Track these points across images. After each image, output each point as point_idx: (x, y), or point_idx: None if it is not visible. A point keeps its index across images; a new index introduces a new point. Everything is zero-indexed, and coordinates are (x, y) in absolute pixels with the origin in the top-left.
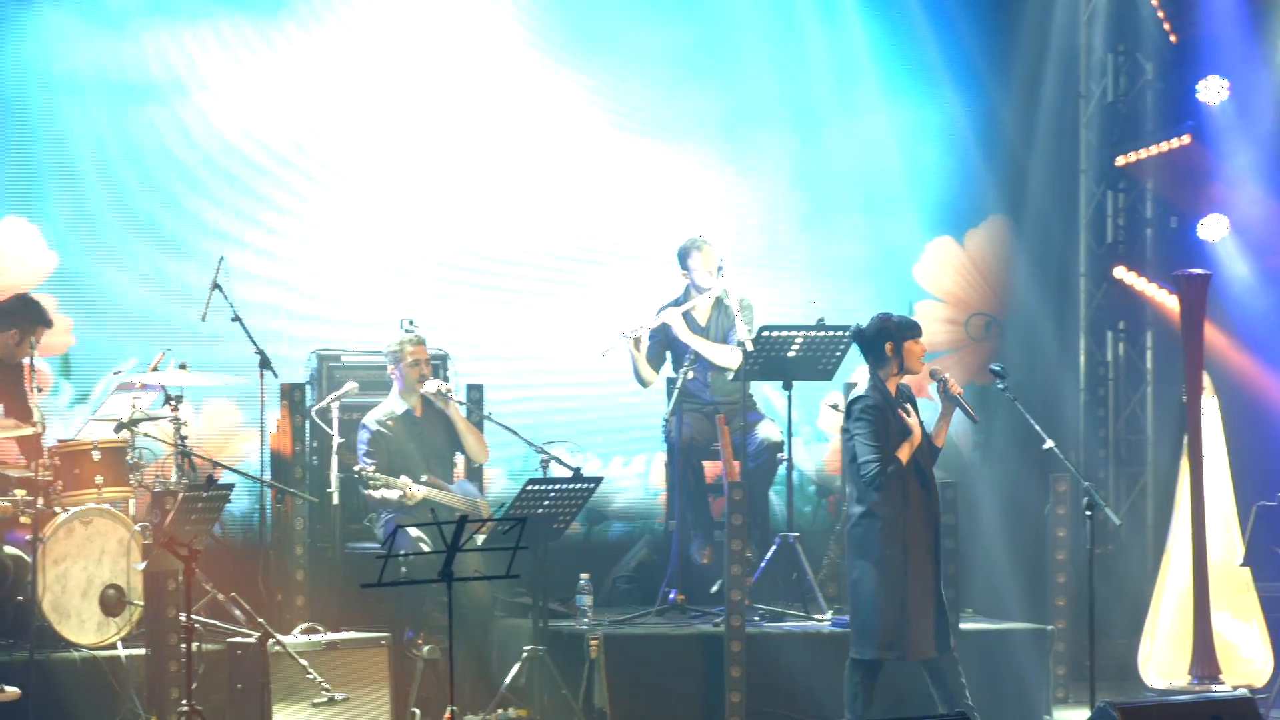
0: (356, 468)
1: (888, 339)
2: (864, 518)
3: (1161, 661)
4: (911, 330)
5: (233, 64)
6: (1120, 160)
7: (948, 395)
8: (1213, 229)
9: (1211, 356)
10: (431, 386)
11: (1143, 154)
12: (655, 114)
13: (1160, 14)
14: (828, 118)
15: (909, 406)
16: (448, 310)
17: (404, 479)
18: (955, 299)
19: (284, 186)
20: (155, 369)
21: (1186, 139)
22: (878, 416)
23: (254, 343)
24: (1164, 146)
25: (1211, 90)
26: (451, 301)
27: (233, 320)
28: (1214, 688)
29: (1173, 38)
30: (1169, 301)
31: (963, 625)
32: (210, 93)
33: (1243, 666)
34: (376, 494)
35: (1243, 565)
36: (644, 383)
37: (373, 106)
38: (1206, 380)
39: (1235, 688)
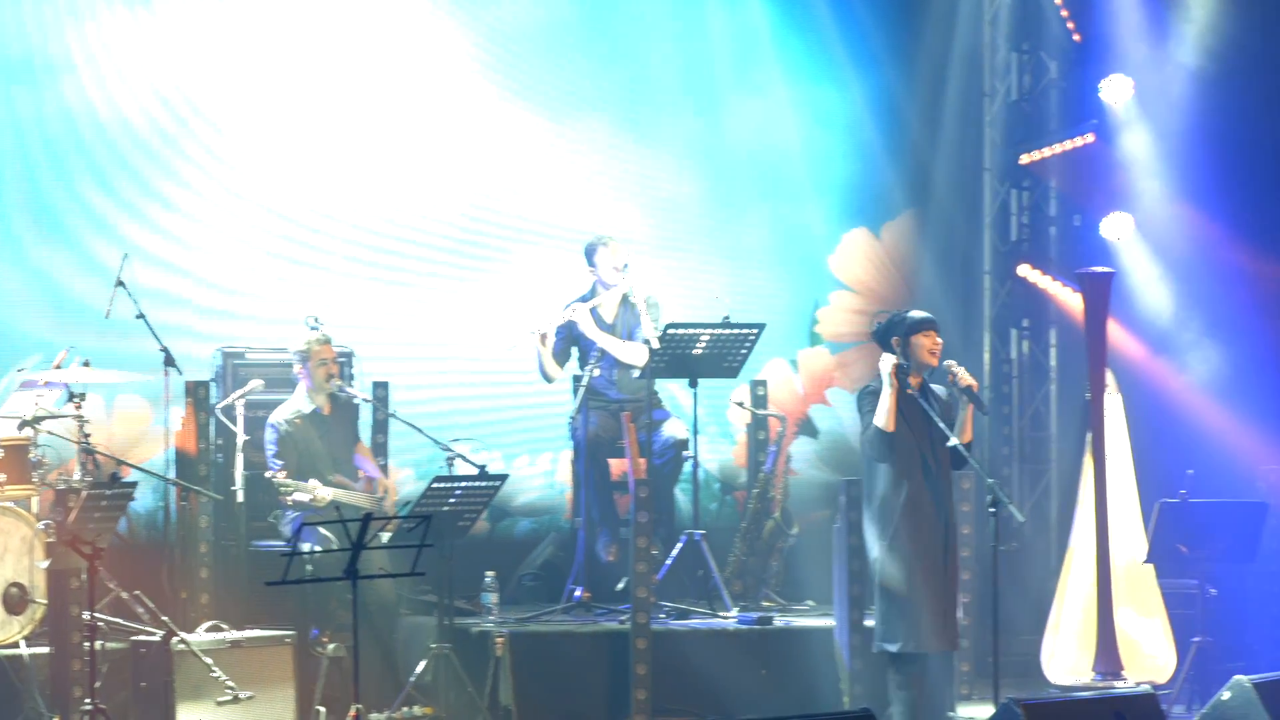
0: (268, 474)
1: (893, 334)
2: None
3: (1065, 658)
4: (919, 325)
5: (109, 41)
6: (1024, 158)
7: (958, 387)
8: (1116, 227)
9: (1115, 354)
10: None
11: (1046, 152)
12: (559, 99)
13: (1064, 13)
14: (732, 105)
15: (931, 400)
16: (353, 306)
17: (313, 482)
18: (869, 290)
19: (183, 184)
20: (59, 366)
21: (1090, 137)
22: (871, 402)
23: (158, 340)
24: (1067, 145)
25: (1114, 89)
26: (357, 297)
27: (137, 318)
28: (1117, 684)
29: (1076, 36)
30: (1072, 299)
31: (867, 622)
32: (97, 76)
33: (1146, 663)
34: (289, 499)
35: (1146, 562)
36: (549, 379)
37: (265, 95)
38: (1110, 378)
39: (1138, 684)
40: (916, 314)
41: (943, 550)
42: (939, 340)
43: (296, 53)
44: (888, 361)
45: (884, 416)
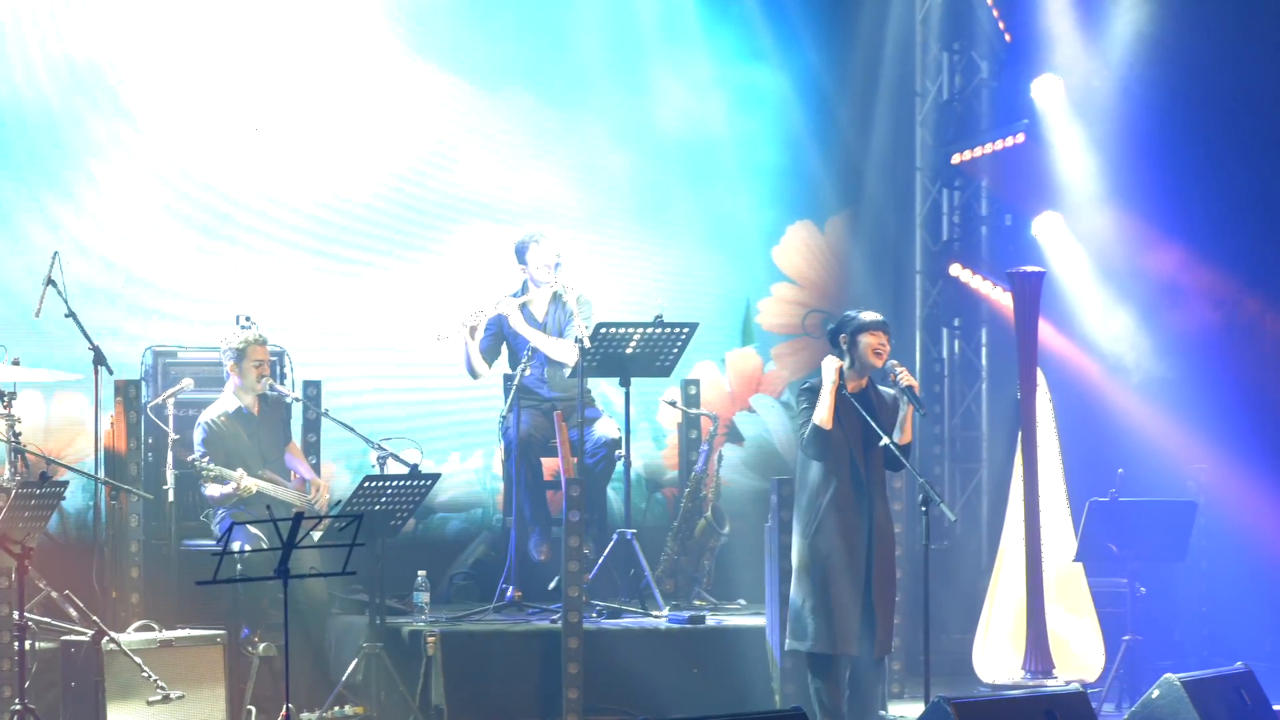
0: (191, 457)
1: (840, 332)
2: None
3: (996, 657)
4: (867, 325)
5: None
6: (956, 158)
7: (899, 387)
8: (1047, 227)
9: (1045, 353)
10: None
11: (978, 152)
12: (486, 74)
13: (995, 12)
14: (662, 90)
15: (874, 401)
16: (285, 304)
17: (239, 472)
18: (810, 283)
19: (108, 182)
20: None
21: (1020, 137)
22: (810, 398)
23: (88, 339)
24: (998, 144)
25: (1045, 88)
26: (288, 294)
27: (66, 316)
28: (1047, 683)
29: (1007, 36)
30: (1004, 299)
31: None
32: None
33: (1076, 661)
34: (212, 490)
35: (1076, 561)
36: (475, 374)
37: (186, 83)
38: (1040, 377)
39: (1068, 682)
40: (867, 315)
41: (865, 552)
42: (885, 341)
43: (215, 38)
44: (831, 362)
45: (823, 414)
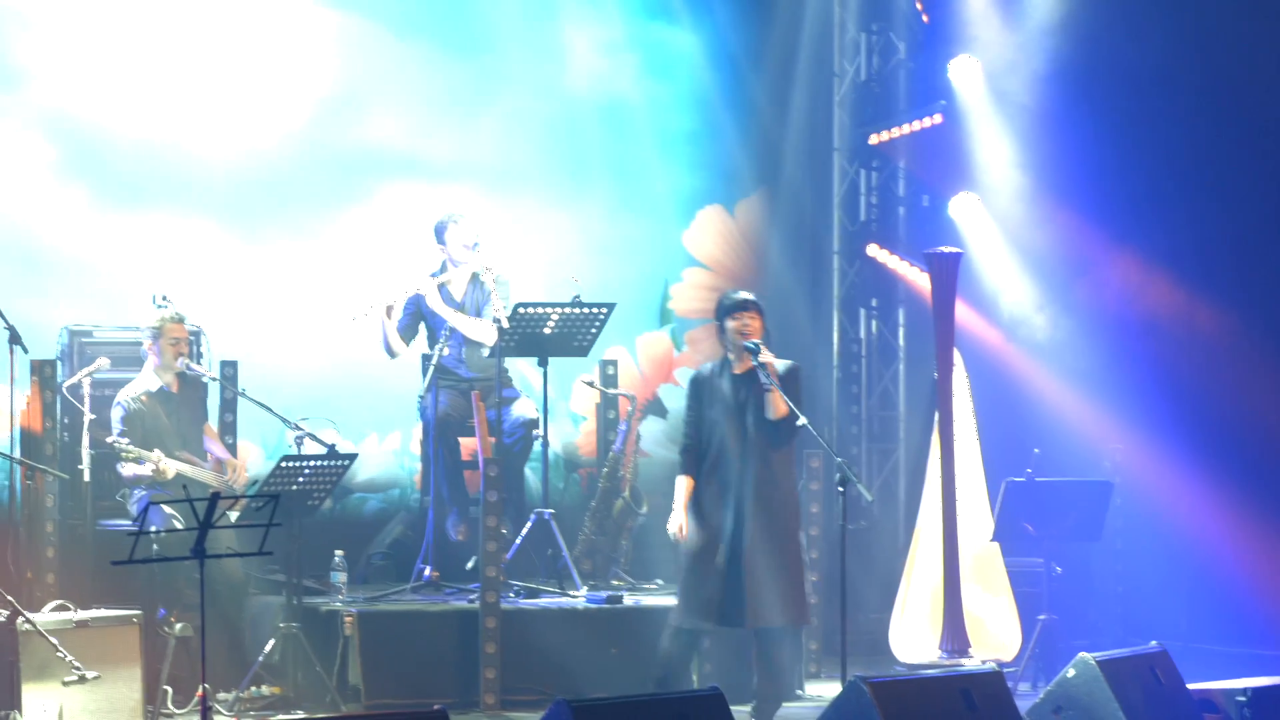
0: (109, 438)
1: (716, 316)
2: None
3: (912, 636)
4: (732, 308)
5: None
6: (873, 139)
7: (758, 363)
8: (963, 208)
9: (962, 334)
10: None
11: (895, 132)
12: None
13: None
14: (577, 55)
15: (766, 380)
16: (201, 283)
17: (157, 453)
18: (722, 268)
19: (36, 163)
20: None
21: (938, 118)
22: (692, 391)
23: (3, 318)
24: (916, 125)
25: (963, 69)
26: (204, 273)
27: None
28: (963, 662)
29: (924, 17)
30: (921, 279)
31: None
32: None
33: (992, 640)
34: (129, 470)
35: (992, 541)
36: (393, 354)
37: (88, 48)
38: (957, 358)
39: (984, 662)
40: (733, 297)
41: (733, 527)
42: (749, 322)
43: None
44: (750, 347)
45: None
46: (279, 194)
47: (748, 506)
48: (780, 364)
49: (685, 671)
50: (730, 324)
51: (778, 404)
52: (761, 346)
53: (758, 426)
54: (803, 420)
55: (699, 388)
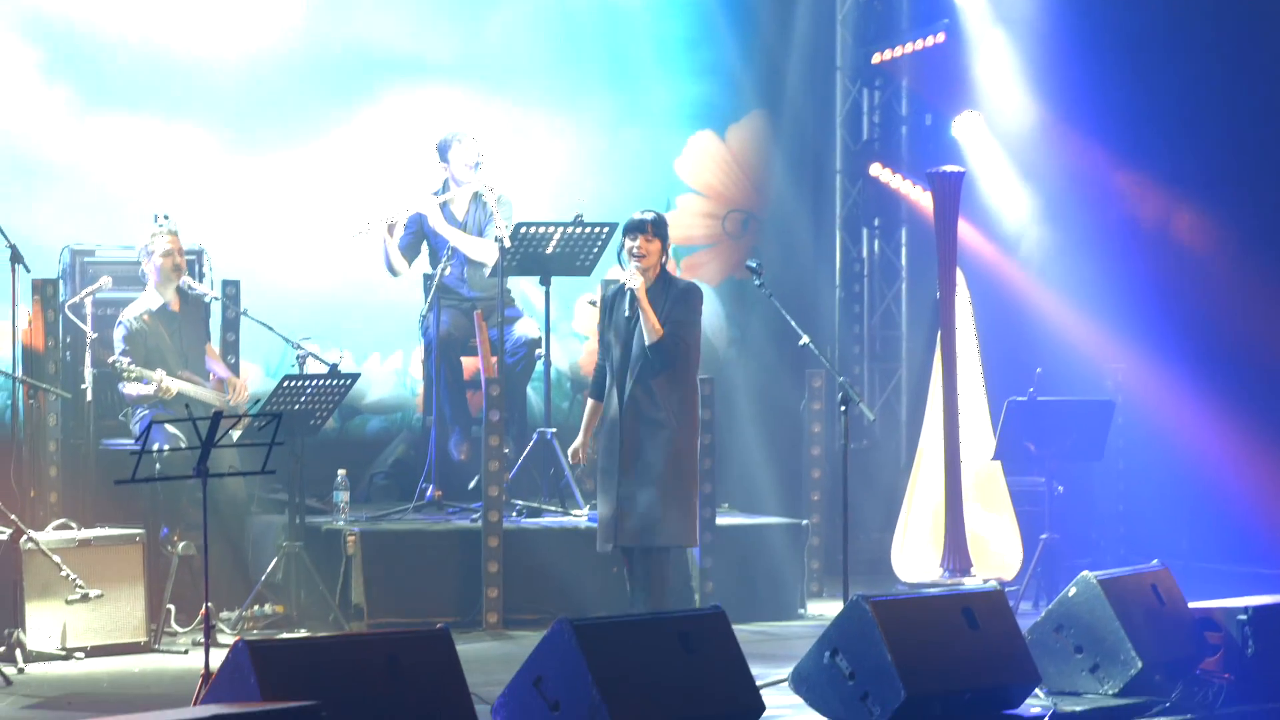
0: (111, 358)
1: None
2: None
3: (914, 556)
4: (628, 228)
5: None
6: (876, 57)
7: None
8: (966, 126)
9: (965, 253)
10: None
11: (898, 51)
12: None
13: None
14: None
15: (664, 295)
16: (203, 201)
17: (159, 372)
18: (716, 193)
19: (41, 83)
20: None
21: (941, 36)
22: (600, 313)
23: (5, 236)
24: (919, 44)
25: None
26: (207, 194)
27: None
28: (965, 581)
29: None
30: (923, 199)
31: (718, 520)
32: None
33: (993, 559)
34: (131, 389)
35: (994, 459)
36: (394, 272)
37: None
38: (960, 277)
39: (986, 581)
40: (632, 217)
41: (618, 451)
42: (634, 242)
43: None
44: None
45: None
46: (278, 99)
47: (624, 426)
48: (683, 283)
49: (635, 593)
50: (624, 243)
51: (647, 330)
52: (635, 270)
53: (641, 349)
54: (805, 339)
55: (603, 309)
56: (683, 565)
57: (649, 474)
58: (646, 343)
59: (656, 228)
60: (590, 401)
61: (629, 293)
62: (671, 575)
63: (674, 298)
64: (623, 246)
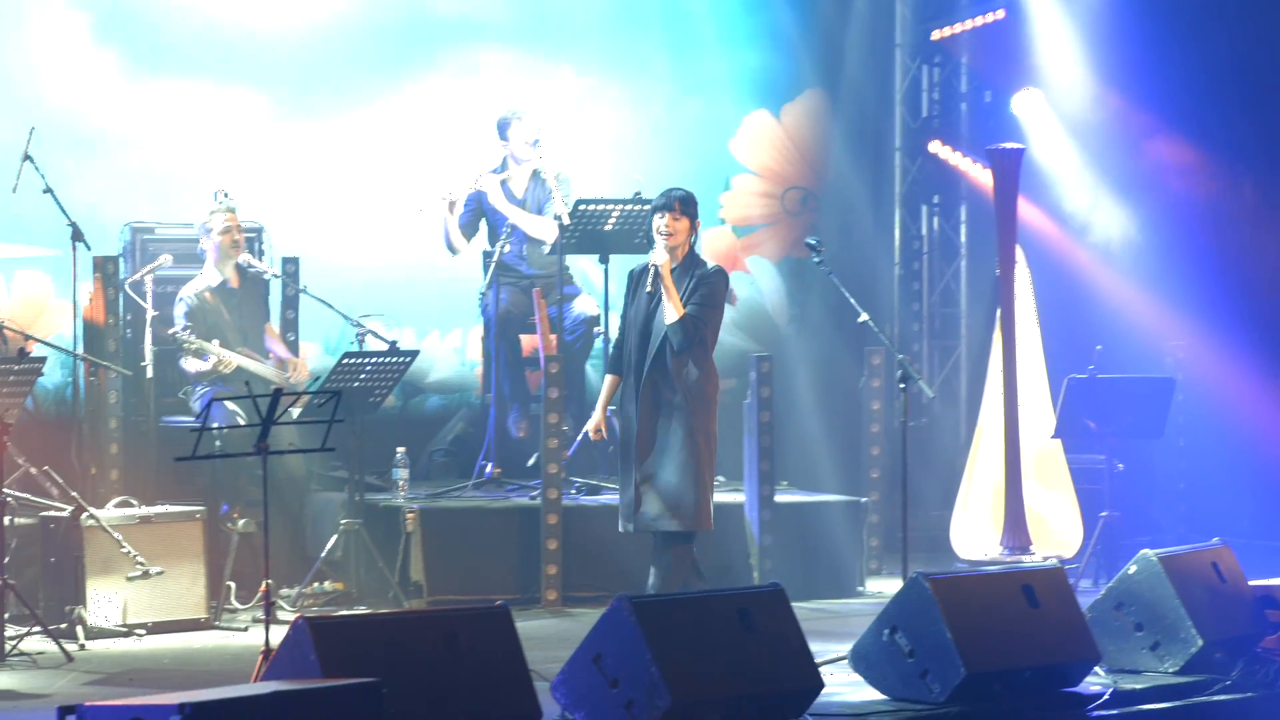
0: (171, 330)
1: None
2: None
3: (973, 533)
4: (656, 206)
5: None
6: (936, 34)
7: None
8: (1026, 103)
9: (1024, 230)
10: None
11: (958, 28)
12: None
13: None
14: None
15: (687, 276)
16: (264, 181)
17: (216, 344)
18: (771, 173)
19: (97, 54)
20: None
21: (1001, 13)
22: (626, 289)
23: (66, 215)
24: (979, 20)
25: None
26: (267, 171)
27: (44, 192)
28: (1024, 559)
29: None
30: (983, 175)
31: (778, 498)
32: None
33: (1053, 537)
34: (190, 366)
35: (1054, 437)
36: (454, 250)
37: None
38: (1020, 254)
39: (1046, 558)
40: (662, 195)
41: (635, 431)
42: (661, 220)
43: None
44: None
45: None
46: (334, 65)
47: (641, 408)
48: (709, 266)
49: (656, 575)
50: (654, 222)
51: (668, 309)
52: (662, 247)
53: (660, 328)
54: (865, 317)
55: (628, 285)
56: (742, 543)
57: (664, 458)
58: (666, 322)
59: (685, 205)
60: (609, 376)
61: (653, 270)
62: (695, 558)
63: (698, 279)
64: (650, 224)
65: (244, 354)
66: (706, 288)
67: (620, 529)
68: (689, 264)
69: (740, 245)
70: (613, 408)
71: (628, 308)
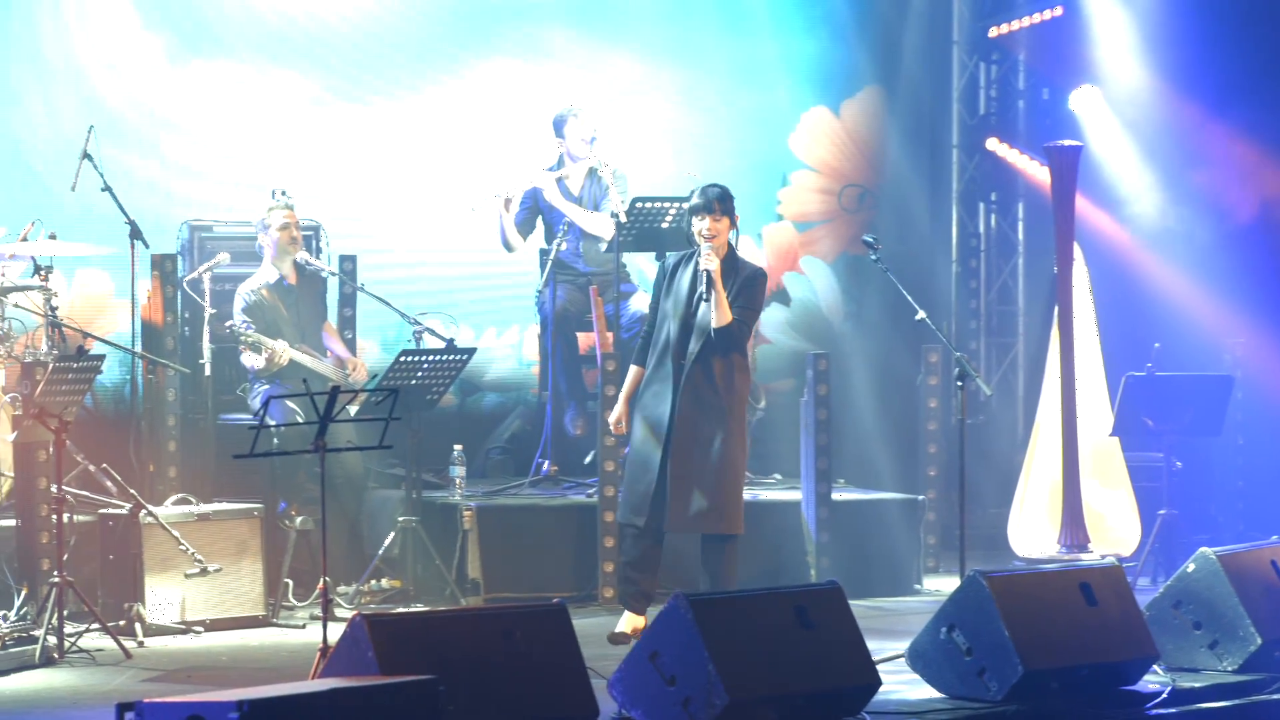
0: (228, 323)
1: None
2: None
3: (1031, 531)
4: (694, 209)
5: None
6: (993, 31)
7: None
8: (1084, 100)
9: (1082, 227)
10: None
11: (1015, 25)
12: None
13: None
14: None
15: (730, 274)
16: (322, 179)
17: (281, 343)
18: (830, 169)
19: (154, 50)
20: (25, 239)
21: (1058, 10)
22: (656, 280)
23: (124, 213)
24: (1036, 18)
25: None
26: (325, 169)
27: (103, 190)
28: (1083, 557)
29: None
30: (1040, 173)
31: (834, 496)
32: None
33: (1111, 535)
34: (248, 360)
35: (1112, 435)
36: (510, 248)
37: None
38: (1077, 251)
39: (1104, 556)
40: (696, 198)
41: (668, 429)
42: (702, 223)
43: None
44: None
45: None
46: (390, 56)
47: (682, 407)
48: (750, 267)
49: (646, 567)
50: (694, 224)
51: (716, 313)
52: (710, 252)
53: (705, 329)
54: (922, 314)
55: (661, 277)
56: (799, 540)
57: (706, 460)
58: (713, 325)
59: (724, 205)
60: (634, 369)
61: (694, 267)
62: (738, 562)
63: (742, 282)
64: (689, 226)
65: (302, 350)
66: (750, 291)
67: (623, 519)
68: (730, 264)
69: (800, 240)
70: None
71: (661, 300)
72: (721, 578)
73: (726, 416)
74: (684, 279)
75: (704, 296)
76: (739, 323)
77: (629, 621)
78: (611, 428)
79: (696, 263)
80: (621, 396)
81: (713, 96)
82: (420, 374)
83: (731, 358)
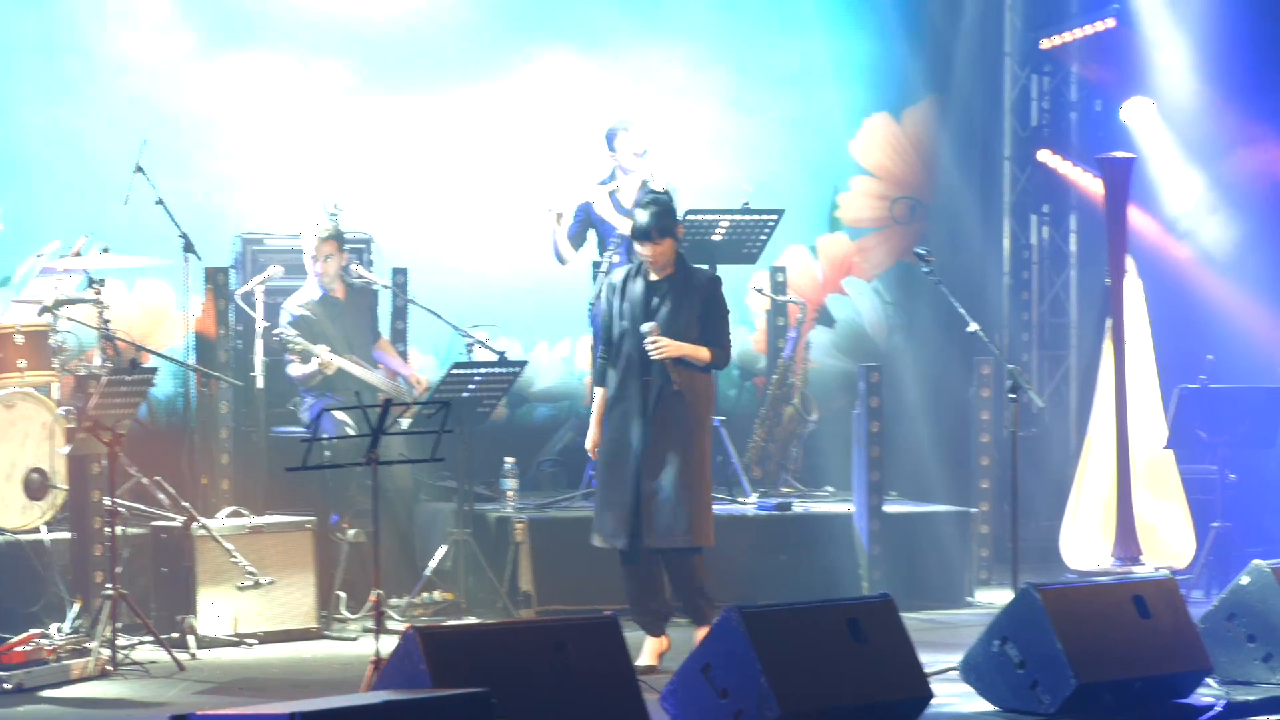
0: (276, 331)
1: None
2: None
3: (1084, 543)
4: (635, 235)
5: None
6: (1045, 43)
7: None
8: (1137, 112)
9: (1135, 239)
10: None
11: (1067, 37)
12: None
13: None
14: None
15: (682, 287)
16: (374, 191)
17: (321, 347)
18: (890, 175)
19: (206, 61)
20: (78, 253)
21: (1111, 22)
22: (606, 296)
23: (177, 226)
24: (1088, 29)
25: None
26: (377, 182)
27: (156, 204)
28: (1136, 569)
29: None
30: (1093, 185)
31: (886, 508)
32: None
33: (1164, 548)
34: (295, 371)
35: (1165, 448)
36: (562, 260)
37: None
38: (1130, 263)
39: (1157, 569)
40: (637, 224)
41: (638, 446)
42: (644, 250)
43: None
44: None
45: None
46: (441, 66)
47: (652, 424)
48: (703, 275)
49: (650, 591)
50: (637, 248)
51: (696, 365)
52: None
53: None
54: (974, 326)
55: (610, 294)
56: (851, 553)
57: (674, 476)
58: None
59: (660, 228)
60: (599, 391)
61: (645, 280)
62: (707, 575)
63: (705, 300)
64: (632, 250)
65: (350, 360)
66: (715, 307)
67: (601, 544)
68: (683, 274)
69: (854, 249)
70: None
71: (616, 318)
72: (690, 592)
73: (696, 427)
74: (636, 293)
75: (650, 305)
76: (721, 350)
77: (650, 651)
78: (590, 453)
79: (646, 275)
80: (593, 420)
81: (770, 104)
82: (472, 387)
83: (698, 372)
